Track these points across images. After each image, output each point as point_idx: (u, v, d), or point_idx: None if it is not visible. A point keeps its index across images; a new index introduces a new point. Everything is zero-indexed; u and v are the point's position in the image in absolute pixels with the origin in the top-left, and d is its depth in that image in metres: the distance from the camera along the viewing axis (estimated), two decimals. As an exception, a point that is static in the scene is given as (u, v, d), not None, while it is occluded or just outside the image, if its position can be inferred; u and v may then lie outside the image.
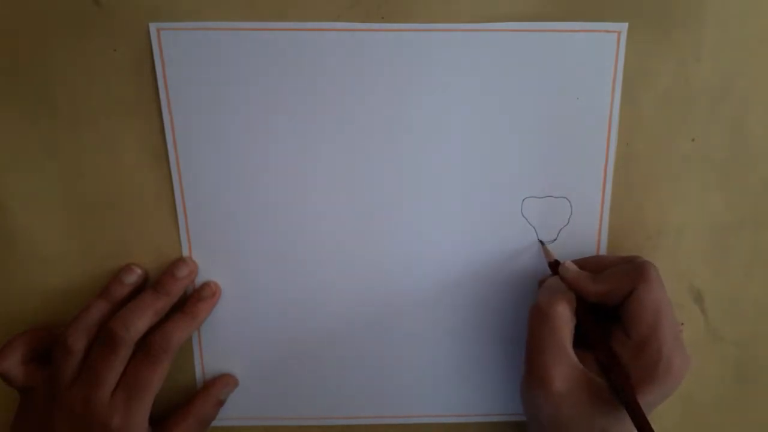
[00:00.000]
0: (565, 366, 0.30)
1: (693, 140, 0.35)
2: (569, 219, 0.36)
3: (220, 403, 0.37)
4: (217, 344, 0.37)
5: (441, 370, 0.38)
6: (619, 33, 0.33)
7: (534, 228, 0.36)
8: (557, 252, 0.36)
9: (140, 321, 0.33)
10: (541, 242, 0.36)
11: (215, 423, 0.38)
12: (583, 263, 0.34)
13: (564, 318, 0.31)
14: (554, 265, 0.34)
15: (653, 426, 0.27)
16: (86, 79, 0.33)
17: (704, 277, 0.38)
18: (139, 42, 0.33)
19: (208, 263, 0.36)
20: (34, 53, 0.33)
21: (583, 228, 0.36)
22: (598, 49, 0.34)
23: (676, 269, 0.37)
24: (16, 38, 0.33)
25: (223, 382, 0.37)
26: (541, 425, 0.31)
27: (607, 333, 0.32)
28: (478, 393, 0.39)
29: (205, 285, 0.36)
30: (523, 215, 0.36)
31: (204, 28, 0.32)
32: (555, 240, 0.36)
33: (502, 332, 0.38)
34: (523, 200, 0.36)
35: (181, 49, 0.33)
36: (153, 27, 0.32)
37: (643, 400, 0.29)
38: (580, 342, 0.31)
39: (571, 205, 0.36)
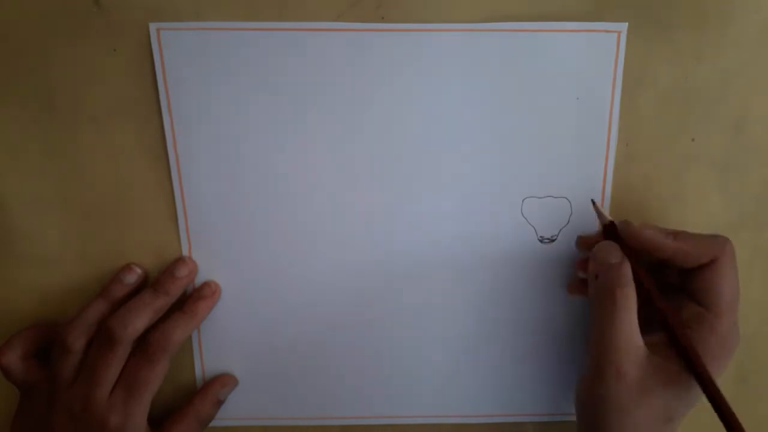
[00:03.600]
0: (636, 353, 0.29)
1: (693, 140, 0.35)
2: (569, 219, 0.36)
3: (219, 402, 0.37)
4: (217, 344, 0.37)
5: (441, 371, 0.38)
6: (619, 33, 0.33)
7: (534, 228, 0.36)
8: (557, 252, 0.36)
9: (138, 320, 0.33)
10: (593, 201, 0.34)
11: (215, 423, 0.38)
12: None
13: (632, 300, 0.29)
14: (609, 228, 0.32)
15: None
16: (86, 79, 0.33)
17: (704, 277, 0.37)
18: (139, 42, 0.33)
19: (208, 263, 0.36)
20: (34, 53, 0.33)
21: (583, 228, 0.36)
22: (598, 49, 0.34)
23: (676, 269, 0.37)
24: (16, 38, 0.33)
25: (221, 382, 0.37)
26: (605, 420, 0.30)
27: (673, 304, 0.30)
28: (479, 393, 0.39)
29: (205, 284, 0.36)
30: (523, 215, 0.36)
31: (204, 28, 0.32)
32: (555, 240, 0.36)
33: (502, 332, 0.38)
34: (523, 200, 0.36)
35: (181, 49, 0.33)
36: (153, 27, 0.32)
37: (716, 375, 0.28)
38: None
39: (571, 205, 0.36)
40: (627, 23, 0.33)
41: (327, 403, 0.39)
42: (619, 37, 0.33)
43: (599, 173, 0.35)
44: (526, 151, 0.35)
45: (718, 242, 0.30)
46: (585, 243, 0.34)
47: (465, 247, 0.36)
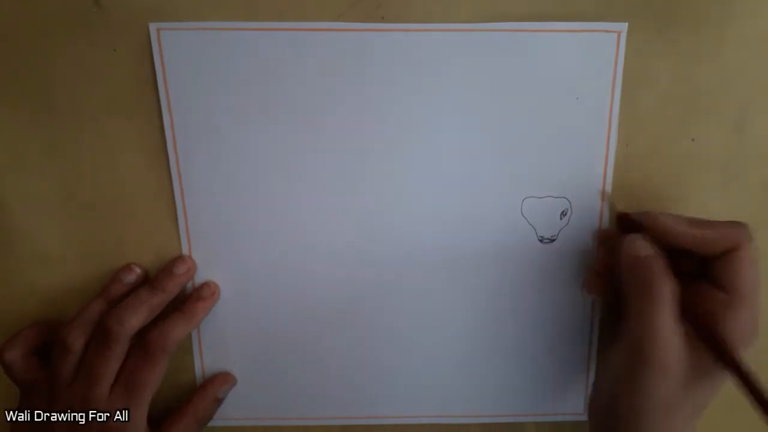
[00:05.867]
0: (677, 346, 0.28)
1: (693, 140, 0.35)
2: (569, 219, 0.36)
3: (218, 401, 0.37)
4: (217, 344, 0.37)
5: (441, 371, 0.38)
6: (619, 33, 0.33)
7: (534, 228, 0.36)
8: (557, 252, 0.36)
9: (134, 317, 0.33)
10: (605, 193, 0.35)
11: (215, 423, 0.38)
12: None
13: (670, 292, 0.29)
14: (623, 219, 0.32)
15: None
16: (86, 79, 0.33)
17: (704, 277, 0.38)
18: (139, 42, 0.33)
19: (208, 263, 0.36)
20: (34, 53, 0.33)
21: (583, 228, 0.36)
22: (598, 49, 0.34)
23: (676, 269, 0.37)
24: (16, 38, 0.33)
25: (220, 381, 0.37)
26: (644, 420, 0.29)
27: (691, 291, 0.30)
28: (478, 393, 0.39)
29: (205, 285, 0.36)
30: (523, 215, 0.36)
31: (204, 28, 0.32)
32: (555, 240, 0.36)
33: (502, 332, 0.38)
34: (523, 200, 0.36)
35: (181, 49, 0.33)
36: (153, 27, 0.32)
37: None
38: None
39: (571, 205, 0.36)
40: (627, 23, 0.33)
41: (327, 403, 0.39)
42: (619, 37, 0.33)
43: (599, 173, 0.35)
44: (526, 151, 0.35)
45: (739, 229, 0.30)
46: (605, 237, 0.34)
47: (465, 246, 0.36)
